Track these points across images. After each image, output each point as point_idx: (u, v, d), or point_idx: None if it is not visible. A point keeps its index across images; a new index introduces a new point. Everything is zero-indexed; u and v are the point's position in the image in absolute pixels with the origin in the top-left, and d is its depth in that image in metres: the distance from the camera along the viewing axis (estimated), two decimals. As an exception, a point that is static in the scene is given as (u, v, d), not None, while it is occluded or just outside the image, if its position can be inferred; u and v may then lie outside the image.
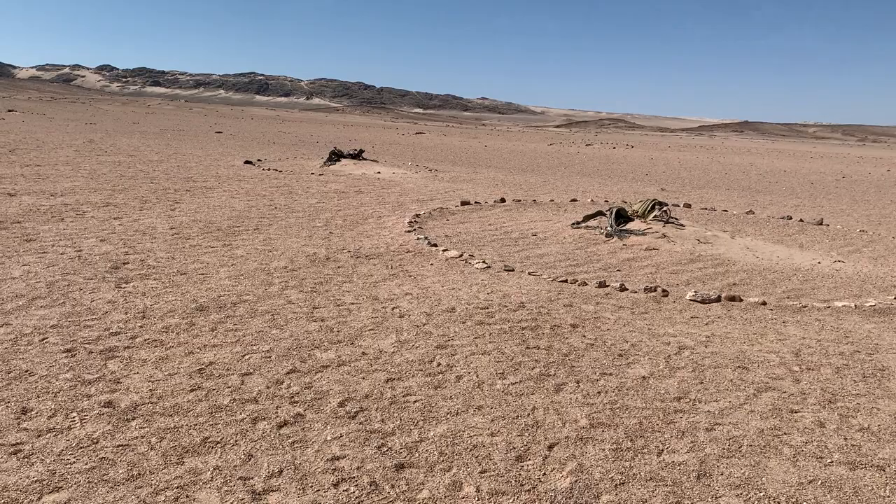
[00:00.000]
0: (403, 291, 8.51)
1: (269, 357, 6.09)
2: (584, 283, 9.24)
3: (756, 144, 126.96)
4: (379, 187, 19.44)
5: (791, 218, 16.89)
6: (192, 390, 5.32)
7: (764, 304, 8.73)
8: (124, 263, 9.02)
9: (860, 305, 8.81)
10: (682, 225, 13.28)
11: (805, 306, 8.71)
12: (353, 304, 7.87)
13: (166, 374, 5.60)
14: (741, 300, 8.80)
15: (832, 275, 10.70)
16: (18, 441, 4.42)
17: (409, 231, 12.52)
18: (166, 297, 7.67)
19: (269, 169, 22.77)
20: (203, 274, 8.78)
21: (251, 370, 5.77)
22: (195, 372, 5.67)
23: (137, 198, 14.69)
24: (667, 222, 13.21)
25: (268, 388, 5.44)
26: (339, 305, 7.77)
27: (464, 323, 7.32)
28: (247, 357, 6.06)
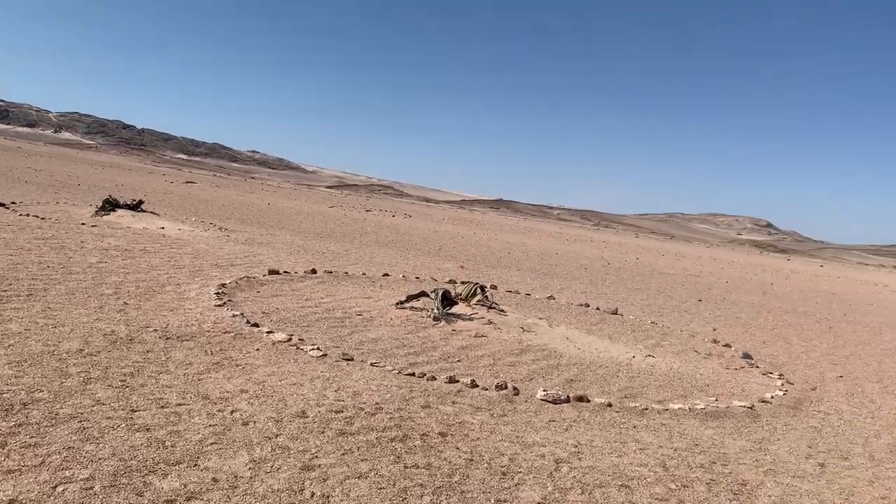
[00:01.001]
0: (237, 388, 7.26)
1: (92, 488, 4.67)
2: (433, 378, 8.60)
3: (513, 222, 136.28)
4: (167, 246, 17.44)
5: (588, 306, 17.72)
6: (-13, 553, 3.80)
7: (609, 405, 8.68)
8: None
9: (692, 408, 9.09)
10: (503, 311, 13.23)
11: (646, 409, 8.79)
12: (180, 405, 6.50)
13: (-57, 526, 3.99)
14: (588, 401, 8.68)
15: (650, 371, 11.09)
16: None
17: (219, 305, 11.10)
18: (-77, 396, 5.77)
19: (28, 215, 19.62)
20: (-29, 359, 6.84)
21: (70, 513, 4.33)
22: (-13, 520, 4.12)
23: None
24: (490, 307, 13.08)
25: (99, 542, 4.07)
26: (163, 407, 6.37)
27: (322, 433, 6.30)
28: (61, 489, 4.58)
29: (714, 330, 17.29)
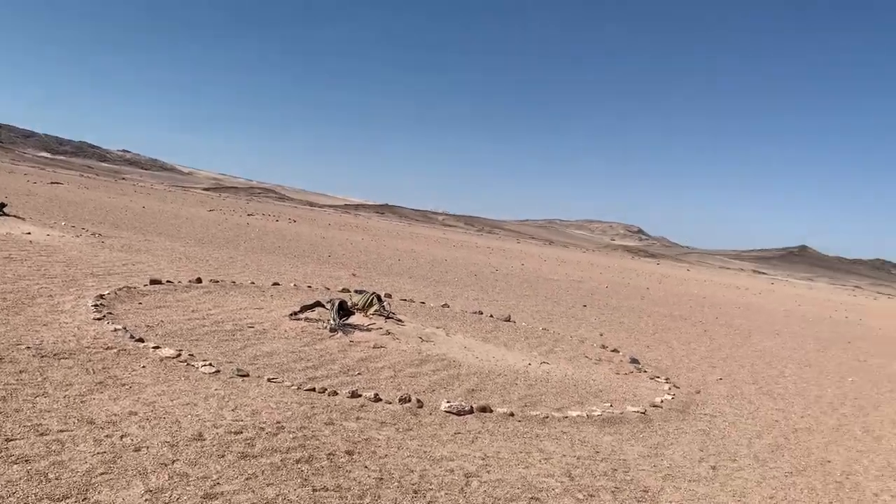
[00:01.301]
0: (125, 410, 6.74)
1: (-38, 536, 4.15)
2: (335, 393, 8.34)
3: (399, 227, 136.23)
4: (35, 253, 16.16)
5: (482, 313, 17.87)
6: None
7: (512, 415, 8.73)
8: None
9: (590, 415, 9.31)
10: (400, 320, 13.10)
11: (546, 417, 8.90)
12: (62, 431, 5.95)
13: None
14: (491, 411, 8.70)
15: (546, 378, 11.26)
16: None
17: (98, 318, 10.34)
18: None
19: None
20: None
21: (-62, 566, 3.83)
22: None
23: None
24: (388, 317, 12.91)
25: None
26: (42, 435, 5.81)
27: (223, 457, 5.93)
28: (-76, 540, 4.04)
29: (601, 335, 17.87)
